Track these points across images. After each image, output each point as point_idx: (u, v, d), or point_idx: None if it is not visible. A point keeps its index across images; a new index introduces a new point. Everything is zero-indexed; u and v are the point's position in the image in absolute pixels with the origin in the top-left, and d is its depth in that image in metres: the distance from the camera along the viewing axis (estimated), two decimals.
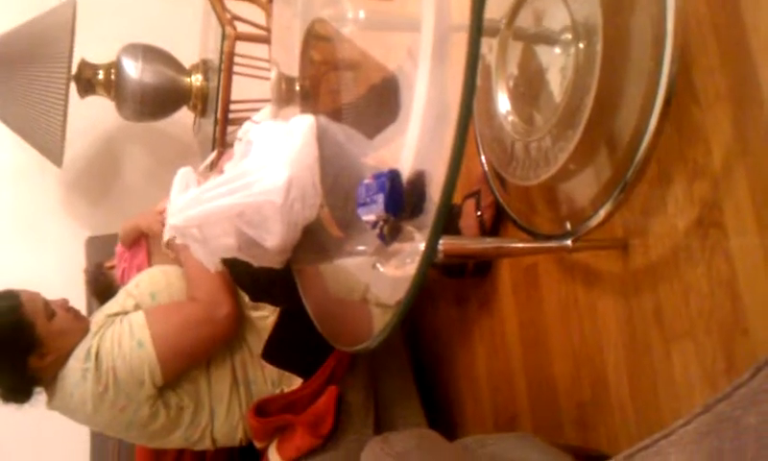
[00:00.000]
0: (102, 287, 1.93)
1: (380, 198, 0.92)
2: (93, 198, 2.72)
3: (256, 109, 2.52)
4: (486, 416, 1.79)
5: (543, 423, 1.59)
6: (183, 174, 1.34)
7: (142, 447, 1.80)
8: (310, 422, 1.57)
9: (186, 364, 1.55)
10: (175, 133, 2.74)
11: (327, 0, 1.45)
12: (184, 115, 2.58)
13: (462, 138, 0.80)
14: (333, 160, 1.28)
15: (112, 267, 1.95)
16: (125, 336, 1.49)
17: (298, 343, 1.63)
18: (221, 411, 1.60)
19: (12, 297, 1.50)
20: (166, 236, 1.51)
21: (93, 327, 1.53)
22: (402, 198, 0.91)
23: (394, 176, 0.91)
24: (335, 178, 1.27)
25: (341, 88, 1.79)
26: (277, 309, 1.64)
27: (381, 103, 1.81)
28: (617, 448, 1.33)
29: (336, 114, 1.65)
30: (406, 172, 0.94)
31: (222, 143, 2.30)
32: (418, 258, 0.90)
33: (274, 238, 1.24)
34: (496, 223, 1.65)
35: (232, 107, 2.30)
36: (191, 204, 1.25)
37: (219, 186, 1.23)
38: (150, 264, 1.83)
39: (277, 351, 1.62)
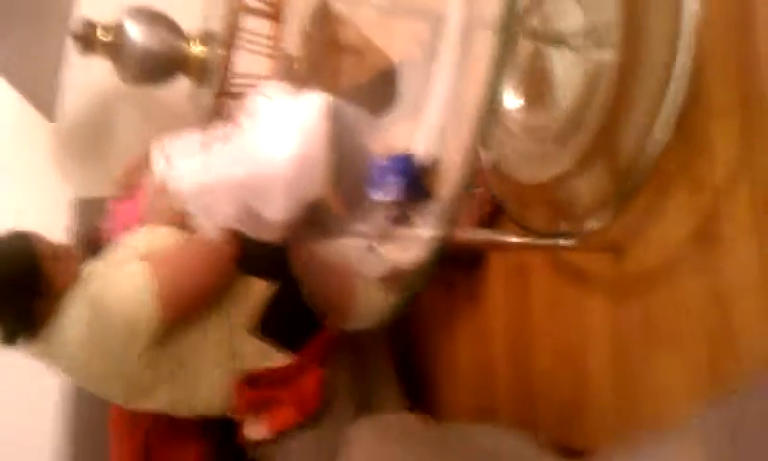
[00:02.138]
0: (93, 247, 1.91)
1: (394, 180, 0.93)
2: (83, 158, 2.69)
3: (256, 84, 2.53)
4: (464, 405, 1.82)
5: (522, 416, 1.62)
6: (187, 139, 1.33)
7: (118, 411, 1.79)
8: (296, 399, 1.59)
9: (185, 311, 1.53)
10: (170, 99, 2.71)
11: None
12: (180, 83, 2.56)
13: (481, 130, 0.81)
14: (342, 139, 1.29)
15: (106, 228, 1.93)
16: (124, 280, 1.48)
17: (288, 319, 1.64)
18: (206, 378, 1.60)
19: (24, 237, 1.49)
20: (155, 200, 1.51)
21: (93, 275, 1.52)
22: (415, 182, 0.93)
23: (409, 160, 0.92)
24: (342, 157, 1.28)
25: (342, 71, 1.80)
26: (266, 281, 1.65)
27: (382, 89, 1.83)
28: (594, 448, 1.37)
29: (337, 96, 1.67)
30: (420, 157, 0.96)
31: (220, 114, 2.28)
32: (424, 243, 0.91)
33: (277, 212, 1.25)
34: (492, 218, 1.66)
35: (232, 80, 2.29)
36: (198, 170, 1.25)
37: (227, 155, 1.24)
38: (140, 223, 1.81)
39: (268, 326, 1.62)
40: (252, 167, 1.20)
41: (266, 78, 2.68)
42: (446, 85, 0.92)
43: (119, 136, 2.78)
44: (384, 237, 1.08)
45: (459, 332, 1.84)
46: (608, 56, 1.25)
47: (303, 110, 1.24)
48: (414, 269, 0.99)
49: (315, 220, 1.33)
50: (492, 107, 0.79)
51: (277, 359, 1.65)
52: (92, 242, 1.96)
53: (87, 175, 2.68)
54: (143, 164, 1.79)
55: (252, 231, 1.34)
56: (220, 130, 1.39)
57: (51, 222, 2.42)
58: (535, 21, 1.45)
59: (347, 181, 1.30)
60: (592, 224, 1.27)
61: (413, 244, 1.05)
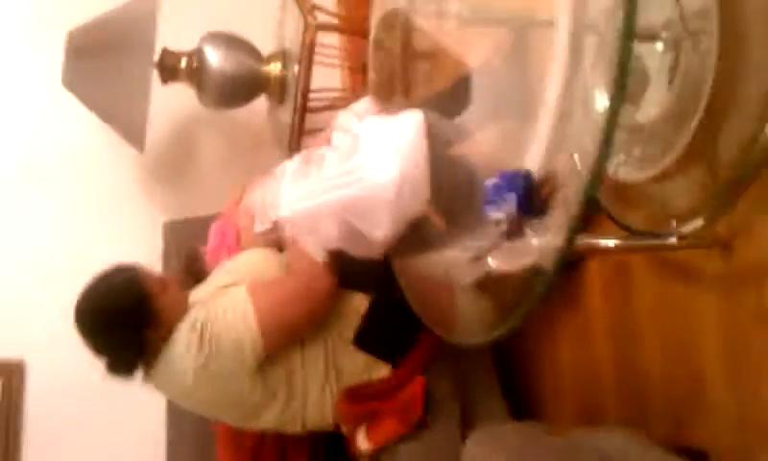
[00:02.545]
0: (195, 271, 1.97)
1: (511, 197, 0.93)
2: (170, 183, 2.77)
3: (333, 98, 2.57)
4: (568, 410, 1.80)
5: (631, 418, 1.59)
6: (291, 165, 1.37)
7: (225, 429, 1.84)
8: (399, 409, 1.60)
9: (286, 338, 1.58)
10: (248, 120, 2.78)
11: None
12: (257, 103, 2.61)
13: (608, 144, 0.81)
14: (440, 156, 1.30)
15: (205, 250, 1.98)
16: (228, 308, 1.53)
17: (388, 331, 1.66)
18: (313, 394, 1.64)
19: (130, 270, 1.55)
20: (262, 224, 1.55)
21: (197, 301, 1.57)
22: (533, 199, 0.93)
23: (526, 177, 0.92)
24: (441, 173, 1.29)
25: (417, 80, 1.80)
26: (366, 296, 1.67)
27: (458, 96, 1.83)
28: (717, 448, 1.34)
29: (416, 105, 1.68)
30: (535, 171, 0.96)
31: (301, 131, 2.33)
32: (543, 255, 0.92)
33: (382, 231, 1.27)
34: (586, 221, 1.65)
35: (311, 95, 2.33)
36: (303, 195, 1.28)
37: (330, 180, 1.27)
38: (239, 246, 1.86)
39: (368, 338, 1.65)
40: (356, 189, 1.22)
41: (343, 91, 2.72)
42: (558, 97, 0.91)
43: (202, 159, 2.86)
44: (495, 250, 1.09)
45: (559, 337, 1.82)
46: (708, 47, 1.21)
47: (403, 130, 1.25)
48: (535, 280, 0.99)
49: (416, 234, 1.34)
50: (616, 114, 0.79)
51: (379, 371, 1.67)
52: (193, 264, 2.02)
53: (174, 198, 2.76)
54: (246, 190, 1.84)
55: (354, 250, 1.36)
56: (320, 153, 1.42)
57: (144, 246, 2.55)
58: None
59: (446, 196, 1.31)
60: (697, 221, 1.25)
61: (526, 255, 1.05)
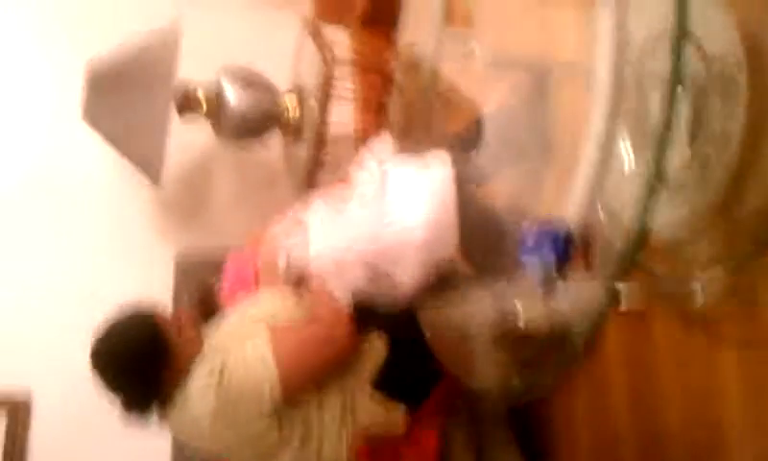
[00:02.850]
0: (208, 306, 1.97)
1: (550, 248, 0.93)
2: (182, 216, 2.77)
3: (347, 134, 2.58)
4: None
5: None
6: (320, 206, 1.37)
7: None
8: (415, 456, 1.59)
9: (305, 383, 1.56)
10: (262, 155, 2.78)
11: (457, 36, 1.47)
12: (271, 139, 2.62)
13: (652, 198, 0.81)
14: (468, 201, 1.30)
15: (219, 286, 1.97)
16: (248, 352, 1.51)
17: (406, 377, 1.65)
18: (329, 436, 1.62)
19: (146, 311, 1.55)
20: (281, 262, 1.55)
21: (218, 345, 1.56)
22: (572, 252, 0.93)
23: (566, 229, 0.92)
24: (469, 218, 1.29)
25: (436, 121, 1.81)
26: (386, 339, 1.66)
27: (473, 137, 1.84)
28: None
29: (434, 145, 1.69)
30: (573, 221, 0.96)
31: (317, 166, 2.33)
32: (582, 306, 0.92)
33: (408, 275, 1.27)
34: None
35: (327, 131, 2.34)
36: (333, 240, 1.28)
37: (359, 223, 1.27)
38: (257, 285, 1.85)
39: (386, 384, 1.63)
40: (387, 234, 1.23)
41: (357, 128, 2.73)
42: (595, 149, 0.91)
43: (215, 193, 2.85)
44: (527, 297, 1.08)
45: (576, 388, 1.81)
46: (733, 100, 1.22)
47: (432, 174, 1.25)
48: (565, 337, 0.99)
49: (442, 279, 1.34)
50: (660, 168, 0.79)
51: (396, 416, 1.66)
52: (205, 299, 2.01)
53: (187, 231, 2.75)
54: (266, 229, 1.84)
55: (380, 293, 1.35)
56: (345, 195, 1.42)
57: (155, 279, 2.55)
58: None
59: (474, 241, 1.31)
60: (719, 271, 1.25)
61: (557, 306, 1.05)
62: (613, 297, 0.86)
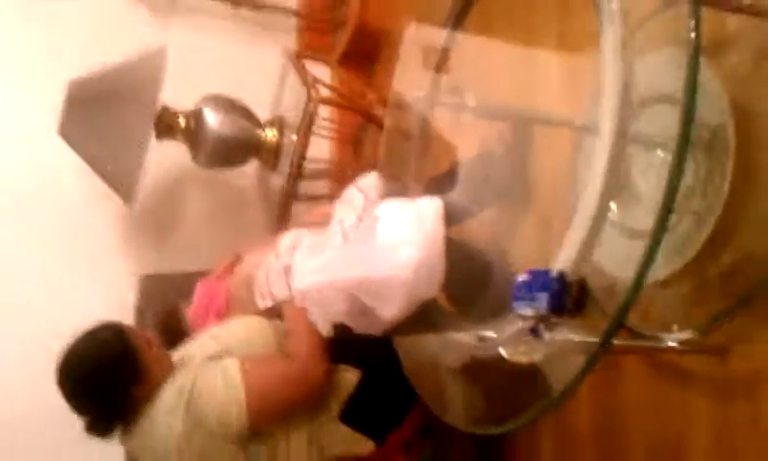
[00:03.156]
0: (172, 328, 1.95)
1: (543, 297, 0.96)
2: (151, 237, 2.75)
3: (324, 167, 2.61)
4: None
5: None
6: (311, 242, 1.39)
7: None
8: None
9: (273, 418, 1.57)
10: (234, 180, 2.79)
11: (452, 87, 1.52)
12: (248, 166, 2.64)
13: (653, 254, 0.85)
14: (455, 242, 1.34)
15: (187, 308, 1.96)
16: (218, 379, 1.51)
17: (377, 408, 1.67)
18: None
19: (114, 326, 1.53)
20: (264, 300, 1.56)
21: (188, 366, 1.55)
22: (565, 300, 0.96)
23: (559, 278, 0.96)
24: (456, 259, 1.32)
25: (421, 162, 1.86)
26: (357, 372, 1.67)
27: (450, 181, 1.89)
28: None
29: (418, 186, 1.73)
30: (567, 271, 0.99)
31: (292, 196, 2.35)
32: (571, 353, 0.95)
33: (392, 310, 1.28)
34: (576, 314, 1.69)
35: (305, 164, 2.37)
36: (318, 269, 1.30)
37: (347, 258, 1.29)
38: (229, 313, 1.85)
39: (356, 414, 1.64)
40: (374, 268, 1.25)
41: (332, 163, 2.77)
42: (595, 201, 0.95)
43: (184, 215, 2.85)
44: (512, 343, 1.11)
45: (542, 429, 1.84)
46: (719, 163, 1.27)
47: (423, 214, 1.28)
48: (545, 381, 1.03)
49: (421, 313, 1.36)
50: (665, 224, 0.83)
51: (362, 447, 1.67)
52: (171, 321, 2.00)
53: (153, 252, 2.73)
54: (236, 259, 1.85)
55: (359, 326, 1.37)
56: (333, 228, 1.44)
57: (117, 298, 2.52)
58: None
59: (457, 281, 1.34)
60: (697, 327, 1.30)
61: (542, 351, 1.08)
62: (603, 353, 0.89)
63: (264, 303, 1.62)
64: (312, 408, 1.64)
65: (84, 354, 1.53)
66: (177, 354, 1.66)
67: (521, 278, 1.02)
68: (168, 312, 2.04)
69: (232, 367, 1.53)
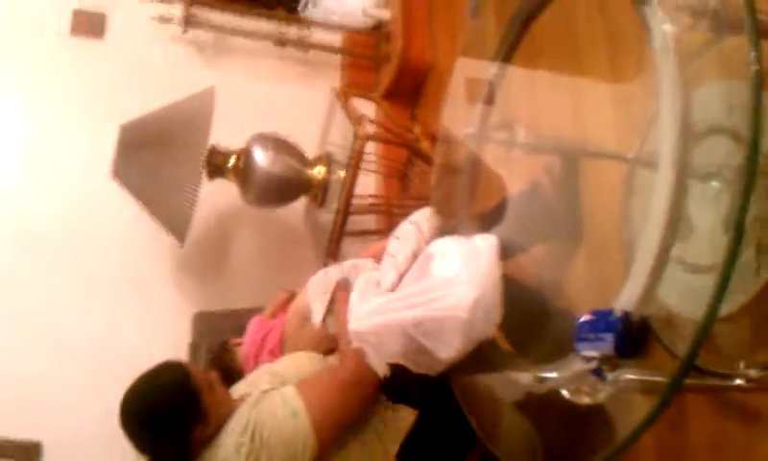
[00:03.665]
0: (225, 364, 1.96)
1: (609, 337, 0.94)
2: (204, 275, 2.79)
3: (372, 202, 2.62)
4: None
5: None
6: (365, 281, 1.38)
7: None
8: None
9: (338, 428, 1.53)
10: (284, 218, 2.82)
11: (501, 121, 1.51)
12: (297, 203, 2.66)
13: (723, 289, 0.83)
14: (512, 281, 1.32)
15: (238, 344, 1.97)
16: (278, 407, 1.49)
17: (434, 448, 1.64)
18: None
19: (180, 367, 1.53)
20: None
21: (247, 401, 1.55)
22: (630, 340, 0.94)
23: (625, 318, 0.94)
24: (511, 297, 1.31)
25: (473, 197, 1.85)
26: (414, 412, 1.65)
27: (499, 216, 1.88)
28: None
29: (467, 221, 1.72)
30: (631, 310, 0.97)
31: (341, 233, 2.36)
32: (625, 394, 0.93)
33: (450, 351, 1.27)
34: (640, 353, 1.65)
35: (353, 200, 2.38)
36: (374, 312, 1.30)
37: (402, 299, 1.28)
38: (282, 351, 1.86)
39: (414, 455, 1.62)
40: (431, 308, 1.24)
41: (379, 197, 2.78)
42: (658, 237, 0.93)
43: (235, 253, 2.88)
44: (576, 383, 1.09)
45: None
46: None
47: (479, 252, 1.27)
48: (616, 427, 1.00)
49: (478, 353, 1.35)
50: (735, 258, 0.81)
51: None
52: (223, 355, 2.01)
53: (206, 290, 2.77)
54: (290, 296, 1.86)
55: (416, 366, 1.36)
56: (386, 263, 1.44)
57: (172, 335, 2.55)
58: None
59: (515, 320, 1.32)
60: (764, 365, 1.25)
61: (604, 390, 1.06)
62: (674, 394, 0.87)
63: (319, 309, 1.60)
64: (369, 447, 1.63)
65: (146, 396, 1.54)
66: (234, 393, 1.66)
67: (584, 318, 1.00)
68: (221, 347, 2.05)
69: (290, 392, 1.52)
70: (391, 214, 2.69)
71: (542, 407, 1.27)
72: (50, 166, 2.73)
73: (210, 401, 1.53)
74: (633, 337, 0.94)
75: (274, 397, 1.54)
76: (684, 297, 1.42)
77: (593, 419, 1.10)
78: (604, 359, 0.97)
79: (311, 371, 1.64)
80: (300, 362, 1.68)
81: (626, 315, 0.94)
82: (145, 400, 1.53)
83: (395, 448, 1.63)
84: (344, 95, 2.45)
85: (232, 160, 2.42)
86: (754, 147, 0.84)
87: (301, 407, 1.49)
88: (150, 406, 1.52)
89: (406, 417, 1.65)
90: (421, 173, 2.57)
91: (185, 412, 1.51)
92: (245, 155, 2.43)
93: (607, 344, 0.95)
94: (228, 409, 1.57)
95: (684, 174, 0.91)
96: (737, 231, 0.81)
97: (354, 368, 1.55)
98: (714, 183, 1.40)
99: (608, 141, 1.81)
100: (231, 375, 1.79)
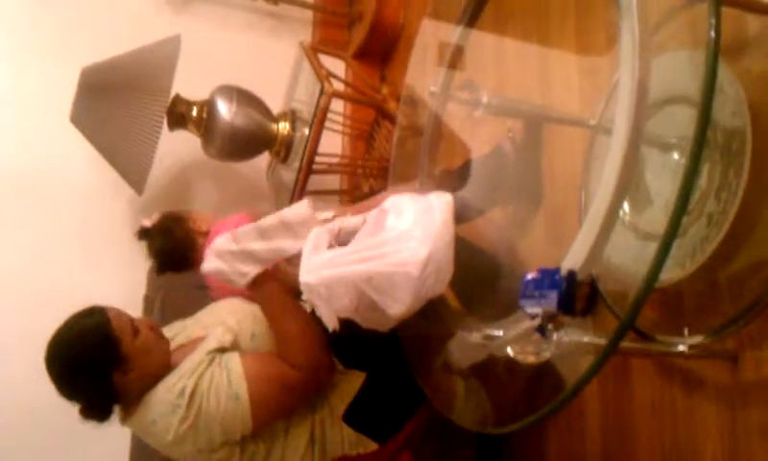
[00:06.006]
0: (174, 238, 1.88)
1: (552, 294, 0.95)
2: None
3: (336, 162, 2.59)
4: None
5: None
6: (317, 234, 1.37)
7: None
8: None
9: (275, 419, 1.56)
10: (245, 173, 2.79)
11: (464, 83, 1.50)
12: (260, 159, 2.63)
13: (664, 256, 0.83)
14: (464, 240, 1.32)
15: (198, 231, 1.87)
16: (223, 386, 1.49)
17: (380, 409, 1.65)
18: None
19: (99, 312, 1.51)
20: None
21: (190, 364, 1.54)
22: (574, 299, 0.95)
23: (570, 276, 0.94)
24: (464, 256, 1.31)
25: (433, 158, 1.84)
26: (362, 374, 1.66)
27: (462, 176, 1.88)
28: None
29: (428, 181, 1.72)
30: (577, 269, 0.97)
31: (303, 191, 2.34)
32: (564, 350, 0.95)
33: (400, 307, 1.26)
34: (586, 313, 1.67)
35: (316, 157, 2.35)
36: (326, 264, 1.28)
37: (354, 252, 1.27)
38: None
39: (359, 415, 1.63)
40: (382, 263, 1.22)
41: (344, 157, 2.75)
42: (608, 200, 0.93)
43: (195, 206, 2.84)
44: (519, 341, 1.09)
45: (549, 427, 1.82)
46: (735, 166, 1.26)
47: (431, 210, 1.26)
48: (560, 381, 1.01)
49: (428, 311, 1.34)
50: (678, 226, 0.81)
51: (365, 447, 1.65)
52: (174, 231, 1.95)
53: None
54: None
55: (366, 322, 1.35)
56: (341, 223, 1.42)
57: (126, 287, 2.52)
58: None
59: (466, 279, 1.32)
60: (708, 332, 1.28)
61: (548, 349, 1.06)
62: (611, 354, 0.88)
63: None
64: (314, 408, 1.63)
65: (63, 342, 1.51)
66: (173, 329, 1.67)
67: (530, 275, 1.00)
68: (167, 221, 1.96)
69: (236, 371, 1.51)
70: (355, 175, 2.67)
71: (492, 368, 1.28)
72: (5, 105, 2.65)
73: (132, 347, 1.51)
74: (577, 296, 0.95)
75: (221, 373, 1.52)
76: (637, 264, 1.44)
77: (543, 377, 1.11)
78: (547, 317, 0.97)
79: (267, 331, 1.63)
80: (259, 320, 1.66)
81: (571, 273, 0.94)
82: (61, 344, 1.51)
83: (341, 408, 1.63)
84: (312, 51, 2.42)
85: (195, 111, 2.38)
86: (704, 114, 0.84)
87: (245, 392, 1.50)
88: (65, 350, 1.50)
89: (354, 380, 1.65)
90: (388, 134, 2.55)
91: (101, 356, 1.48)
92: (208, 106, 2.39)
93: (550, 301, 0.95)
94: (162, 356, 1.56)
95: (637, 134, 0.91)
96: (684, 189, 0.81)
97: (310, 376, 1.55)
98: (675, 155, 1.41)
99: (572, 108, 1.82)
100: (178, 254, 1.78)
